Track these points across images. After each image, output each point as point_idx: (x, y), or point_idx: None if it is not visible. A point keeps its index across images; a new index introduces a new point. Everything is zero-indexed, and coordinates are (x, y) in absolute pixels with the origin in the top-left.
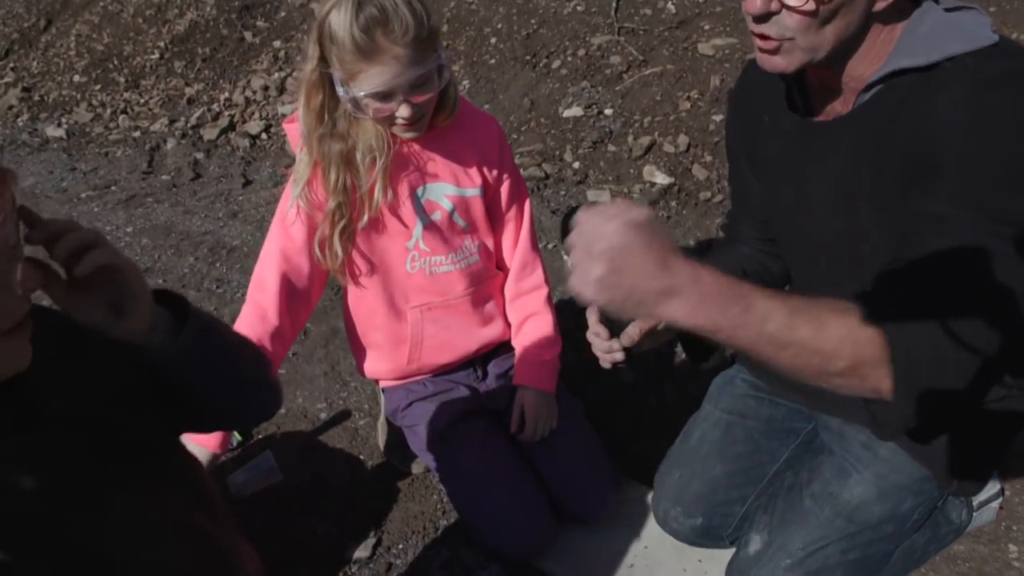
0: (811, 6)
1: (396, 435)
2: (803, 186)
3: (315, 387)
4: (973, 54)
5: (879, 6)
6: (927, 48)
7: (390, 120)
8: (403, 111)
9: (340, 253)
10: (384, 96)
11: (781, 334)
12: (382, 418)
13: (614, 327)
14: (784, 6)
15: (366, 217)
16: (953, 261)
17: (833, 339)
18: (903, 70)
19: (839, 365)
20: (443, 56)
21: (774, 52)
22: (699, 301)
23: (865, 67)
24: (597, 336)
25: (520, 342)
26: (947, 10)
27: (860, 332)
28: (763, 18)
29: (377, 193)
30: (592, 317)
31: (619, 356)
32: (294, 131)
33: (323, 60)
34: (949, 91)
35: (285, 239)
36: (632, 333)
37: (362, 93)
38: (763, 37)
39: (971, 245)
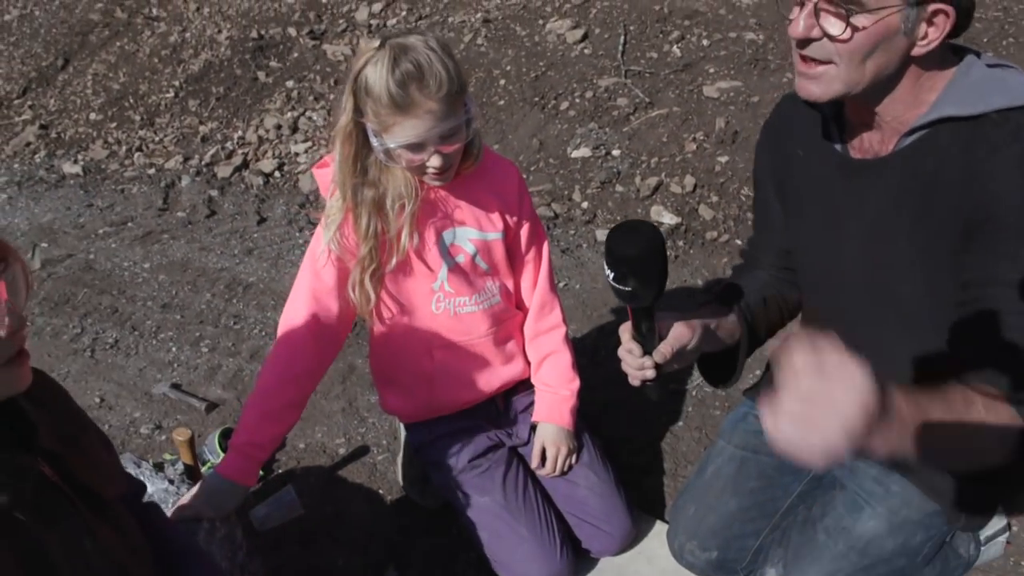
0: (848, 34)
1: (415, 470)
2: (838, 220)
3: (333, 423)
4: (1021, 112)
5: (917, 52)
6: (974, 99)
7: (421, 169)
8: (434, 161)
9: (372, 296)
10: (416, 147)
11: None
12: (402, 453)
13: (647, 343)
14: (825, 34)
15: (394, 261)
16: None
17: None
18: (948, 118)
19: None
20: (472, 109)
21: (813, 79)
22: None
23: (904, 109)
24: (630, 353)
25: (540, 380)
26: (988, 65)
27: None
28: (805, 43)
29: (404, 238)
30: (625, 335)
31: (651, 373)
32: (324, 176)
33: (357, 111)
34: (1007, 149)
35: (315, 280)
36: (664, 351)
37: (395, 144)
38: (805, 60)
39: None
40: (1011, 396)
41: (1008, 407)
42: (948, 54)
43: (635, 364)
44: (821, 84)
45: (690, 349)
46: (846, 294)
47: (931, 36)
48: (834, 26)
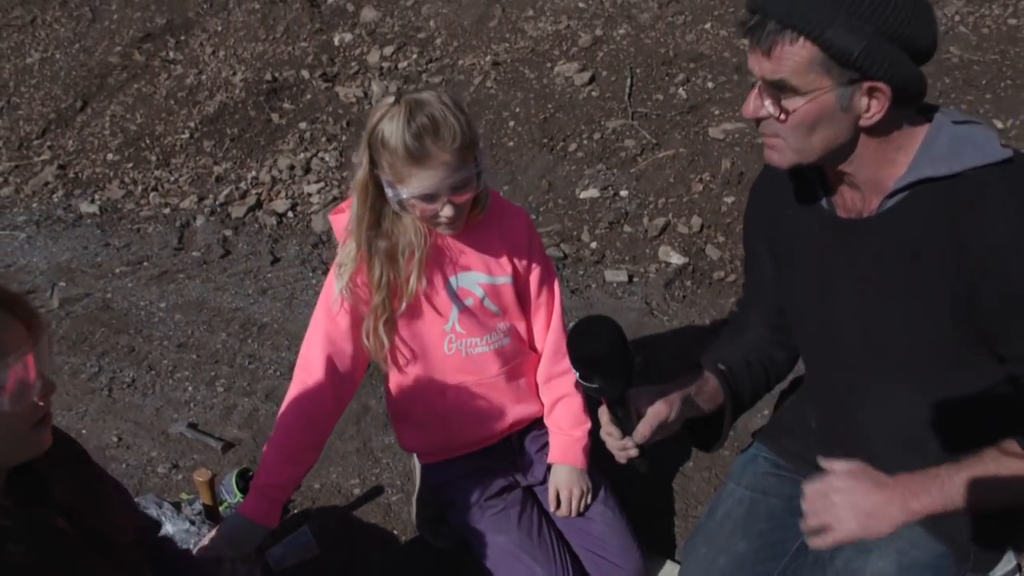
0: (783, 116)
1: (430, 510)
2: (829, 277)
3: (348, 463)
4: (996, 169)
5: (865, 123)
6: (948, 160)
7: (433, 219)
8: (446, 211)
9: (386, 342)
10: (429, 197)
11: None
12: (416, 493)
13: (625, 426)
14: (769, 114)
15: (404, 305)
16: None
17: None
18: (927, 179)
19: None
20: (482, 161)
21: (772, 148)
22: (928, 500)
23: (875, 171)
24: (610, 436)
25: (553, 422)
26: (955, 122)
27: None
28: (758, 121)
29: (412, 281)
30: (604, 417)
31: (634, 452)
32: (340, 222)
33: (373, 164)
34: (999, 216)
35: (330, 324)
36: (643, 431)
37: (408, 195)
38: (763, 133)
39: None
40: None
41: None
42: (914, 115)
43: (616, 446)
44: (777, 153)
45: (670, 422)
46: (844, 349)
47: (874, 109)
48: (774, 107)
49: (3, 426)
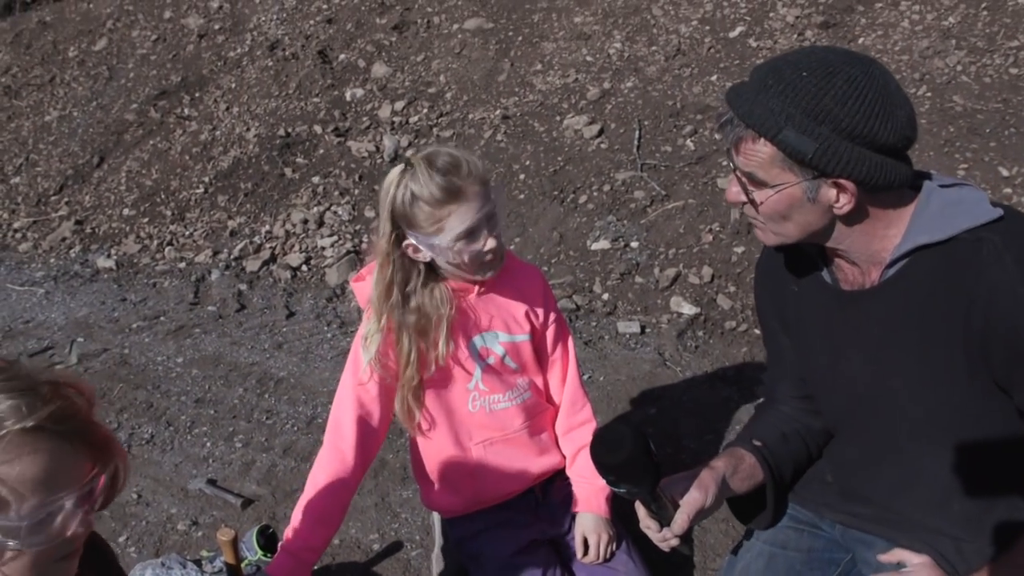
0: (751, 208)
1: (450, 566)
2: (839, 348)
3: (367, 518)
4: (988, 227)
5: (839, 211)
6: (942, 225)
7: (478, 261)
8: (490, 243)
9: (416, 412)
10: (472, 234)
11: None
12: (436, 549)
13: (662, 517)
14: (744, 201)
15: (433, 368)
16: None
17: None
18: (923, 246)
19: None
20: (498, 197)
21: (758, 229)
22: None
23: (867, 245)
24: (649, 529)
25: (576, 472)
26: (942, 186)
27: None
28: (740, 205)
29: (441, 346)
30: (641, 511)
31: (675, 542)
32: (362, 290)
33: (398, 230)
34: (993, 266)
35: (359, 389)
36: (681, 522)
37: (452, 236)
38: (748, 215)
39: None
40: None
41: None
42: (900, 191)
43: (657, 538)
44: (762, 233)
45: (707, 508)
46: (858, 415)
47: (843, 201)
48: (747, 196)
49: (30, 555)
